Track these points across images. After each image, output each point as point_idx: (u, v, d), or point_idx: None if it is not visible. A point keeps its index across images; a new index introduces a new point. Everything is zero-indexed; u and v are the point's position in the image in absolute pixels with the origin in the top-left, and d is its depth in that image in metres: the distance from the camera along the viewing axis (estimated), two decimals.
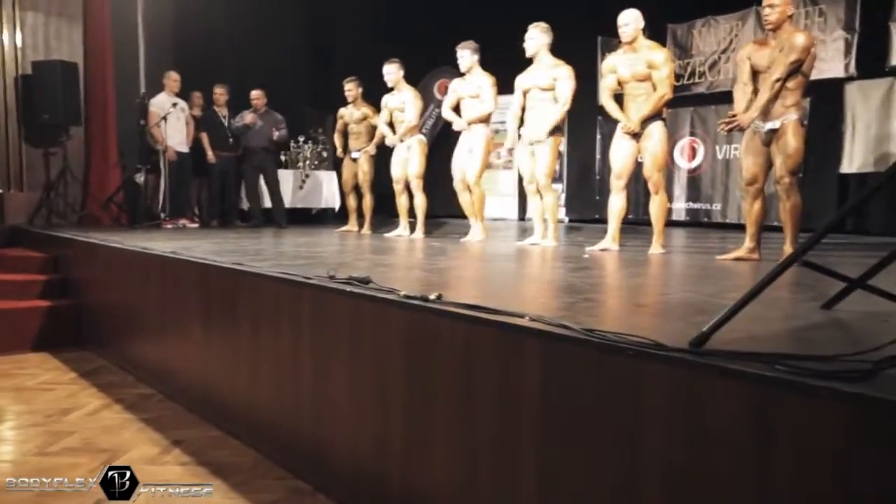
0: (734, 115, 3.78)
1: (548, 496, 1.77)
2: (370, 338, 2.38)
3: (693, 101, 8.11)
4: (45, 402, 3.68)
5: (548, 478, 1.77)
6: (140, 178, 7.25)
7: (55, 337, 4.86)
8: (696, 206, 8.13)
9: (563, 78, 4.89)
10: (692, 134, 8.15)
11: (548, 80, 4.93)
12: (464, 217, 5.81)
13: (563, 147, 9.42)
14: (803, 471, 1.28)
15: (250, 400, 3.04)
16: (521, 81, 5.10)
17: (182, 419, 3.37)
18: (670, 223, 8.02)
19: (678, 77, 8.21)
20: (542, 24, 4.97)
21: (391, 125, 6.28)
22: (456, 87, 5.67)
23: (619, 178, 4.52)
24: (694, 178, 8.16)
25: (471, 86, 5.53)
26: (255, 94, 7.54)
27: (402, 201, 6.24)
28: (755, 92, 3.76)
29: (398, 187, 6.22)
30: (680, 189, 8.26)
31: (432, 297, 2.19)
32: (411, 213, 6.17)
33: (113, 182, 7.51)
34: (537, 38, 4.95)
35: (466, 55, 5.50)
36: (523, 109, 5.12)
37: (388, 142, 6.25)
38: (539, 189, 5.06)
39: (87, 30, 7.57)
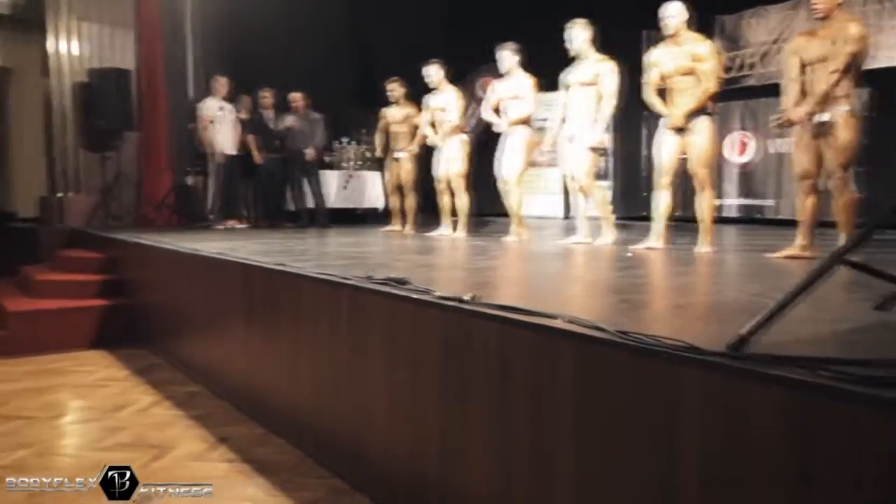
0: (784, 112, 3.65)
1: (583, 498, 1.74)
2: (407, 338, 2.38)
3: (743, 94, 7.88)
4: (100, 398, 3.82)
5: (583, 480, 1.75)
6: (190, 180, 7.44)
7: (111, 335, 5.03)
8: (748, 202, 7.91)
9: (606, 73, 4.81)
10: (743, 128, 7.93)
11: (590, 76, 4.86)
12: (508, 216, 5.78)
13: (609, 144, 9.29)
14: (845, 480, 1.23)
15: (292, 399, 3.08)
16: (564, 78, 5.04)
17: (228, 417, 3.45)
18: (721, 220, 7.82)
19: (727, 70, 7.99)
20: (580, 21, 4.89)
21: (433, 125, 6.28)
22: (496, 88, 5.63)
23: (664, 175, 4.43)
24: (745, 174, 7.94)
25: (511, 87, 5.49)
26: (295, 97, 7.65)
27: (444, 201, 6.25)
28: (803, 87, 3.63)
29: (441, 186, 6.23)
30: (731, 185, 8.05)
31: (467, 297, 2.19)
32: (454, 212, 6.17)
33: (165, 184, 7.73)
34: (578, 35, 4.88)
35: (506, 56, 5.46)
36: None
37: (429, 142, 6.26)
38: (583, 188, 5.00)
39: (139, 38, 7.81)
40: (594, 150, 4.87)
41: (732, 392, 1.42)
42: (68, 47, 7.43)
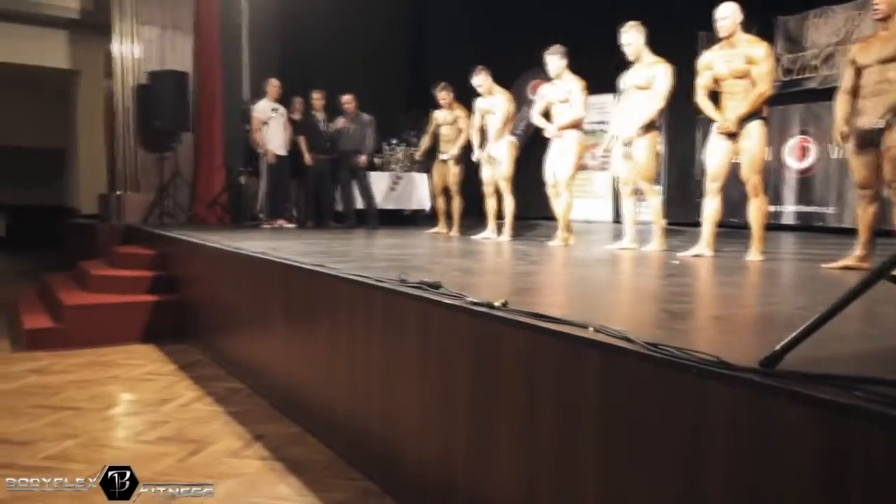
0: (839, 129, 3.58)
1: None
2: (437, 343, 2.36)
3: (805, 97, 7.60)
4: (146, 391, 3.93)
5: (608, 491, 1.70)
6: (243, 180, 7.60)
7: (160, 330, 5.17)
8: (808, 209, 7.62)
9: (659, 75, 4.68)
10: (803, 132, 7.64)
11: (644, 79, 4.74)
12: (556, 220, 5.70)
13: (661, 147, 9.08)
14: None
15: (327, 399, 3.10)
16: (622, 81, 4.94)
17: (266, 414, 3.49)
18: (779, 227, 7.57)
19: (788, 72, 7.73)
20: (633, 24, 4.77)
21: (482, 129, 6.24)
22: (545, 93, 5.56)
23: (715, 181, 4.30)
24: (805, 180, 7.65)
25: (561, 91, 5.41)
26: (346, 99, 7.74)
27: (490, 204, 6.22)
28: (858, 91, 3.48)
29: (488, 189, 6.20)
30: (790, 191, 7.77)
31: (497, 304, 2.15)
32: (501, 215, 6.12)
33: (218, 184, 7.92)
34: (634, 39, 4.75)
35: (555, 60, 5.37)
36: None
37: (473, 157, 6.25)
38: (642, 191, 4.91)
39: (198, 41, 8.03)
40: (646, 131, 4.72)
41: (762, 410, 1.35)
42: (131, 50, 7.69)
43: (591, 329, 1.82)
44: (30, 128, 11.82)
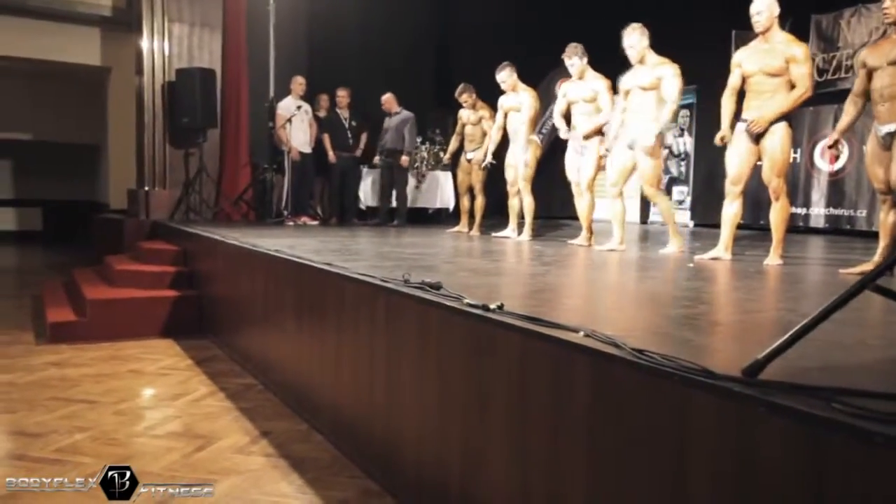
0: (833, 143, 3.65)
1: None
2: (435, 345, 2.36)
3: (837, 97, 7.37)
4: (161, 386, 3.99)
5: (598, 494, 1.68)
6: (267, 176, 7.68)
7: (179, 325, 5.25)
8: (838, 212, 7.43)
9: (667, 76, 4.57)
10: None
11: (650, 80, 4.64)
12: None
13: (689, 147, 8.96)
14: None
15: (333, 398, 3.11)
16: (623, 82, 4.85)
17: (275, 411, 3.52)
18: (807, 230, 7.40)
19: (822, 72, 7.55)
20: (637, 26, 4.66)
21: (505, 129, 6.21)
22: (567, 92, 5.50)
23: (735, 184, 4.21)
24: (836, 182, 7.46)
25: (584, 89, 5.34)
26: (383, 99, 7.77)
27: (513, 203, 6.19)
28: (871, 94, 3.38)
29: (512, 190, 6.17)
30: (819, 193, 7.59)
31: (493, 306, 2.14)
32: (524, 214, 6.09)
33: (243, 181, 8.01)
34: (637, 42, 4.63)
35: (575, 62, 5.32)
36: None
37: (485, 163, 6.25)
38: (647, 196, 4.85)
39: (225, 39, 8.13)
40: (631, 147, 4.66)
41: (743, 420, 1.32)
42: (160, 47, 7.81)
43: (581, 334, 1.80)
44: (65, 124, 12.12)
